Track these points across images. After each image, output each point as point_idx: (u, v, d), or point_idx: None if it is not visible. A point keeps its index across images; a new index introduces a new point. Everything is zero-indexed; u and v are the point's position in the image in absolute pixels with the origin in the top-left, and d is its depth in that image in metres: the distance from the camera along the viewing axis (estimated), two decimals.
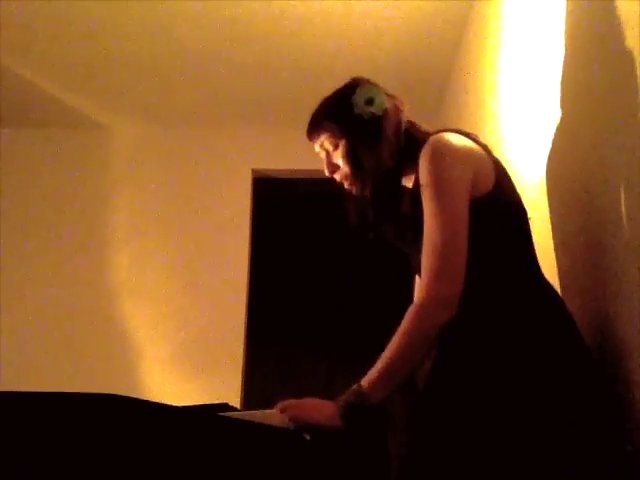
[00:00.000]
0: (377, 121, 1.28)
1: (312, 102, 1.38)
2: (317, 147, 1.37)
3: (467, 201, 1.14)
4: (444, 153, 1.18)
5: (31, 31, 2.67)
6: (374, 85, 1.33)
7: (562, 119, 1.41)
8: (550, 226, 1.48)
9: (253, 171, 3.45)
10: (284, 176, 3.52)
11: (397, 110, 1.32)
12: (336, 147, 1.32)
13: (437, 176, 1.16)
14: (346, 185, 1.34)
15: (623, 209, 1.11)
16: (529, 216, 1.25)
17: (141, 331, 3.18)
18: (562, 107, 1.41)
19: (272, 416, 1.05)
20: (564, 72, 1.40)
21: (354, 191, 1.32)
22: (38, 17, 2.58)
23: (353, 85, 1.33)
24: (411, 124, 1.33)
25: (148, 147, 3.51)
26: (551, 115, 1.48)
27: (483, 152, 1.23)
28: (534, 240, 1.24)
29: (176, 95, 3.20)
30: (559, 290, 1.39)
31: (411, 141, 1.27)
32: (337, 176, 1.34)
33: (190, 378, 3.07)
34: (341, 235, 1.62)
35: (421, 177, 1.19)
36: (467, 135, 1.26)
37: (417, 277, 1.43)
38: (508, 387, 1.05)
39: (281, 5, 2.52)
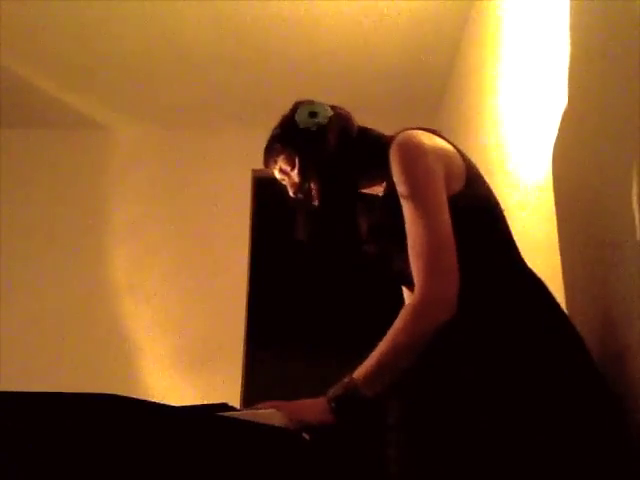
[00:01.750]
0: (325, 130, 1.28)
1: None
2: (277, 174, 1.36)
3: (445, 197, 1.11)
4: (414, 151, 1.14)
5: (31, 31, 2.67)
6: (315, 101, 1.33)
7: (563, 118, 1.41)
8: (553, 225, 1.48)
9: (253, 171, 3.45)
10: None
11: (343, 117, 1.32)
12: (293, 166, 1.31)
13: (412, 175, 1.12)
14: (299, 197, 1.31)
15: (625, 208, 1.11)
16: (502, 207, 1.23)
17: (141, 331, 3.18)
18: (562, 107, 1.41)
19: (272, 416, 1.05)
20: (564, 72, 1.40)
21: (312, 203, 1.30)
22: (38, 17, 2.59)
23: (295, 107, 1.34)
24: (365, 129, 1.32)
25: (147, 147, 3.51)
26: (551, 115, 1.48)
27: (452, 149, 1.21)
28: (512, 232, 1.21)
29: (175, 95, 3.20)
30: (563, 289, 1.39)
31: (370, 147, 1.26)
32: (301, 195, 1.32)
33: (190, 378, 3.07)
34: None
35: (395, 177, 1.15)
36: (434, 132, 1.23)
37: (404, 288, 1.40)
38: (502, 385, 1.01)
39: (281, 5, 2.52)
